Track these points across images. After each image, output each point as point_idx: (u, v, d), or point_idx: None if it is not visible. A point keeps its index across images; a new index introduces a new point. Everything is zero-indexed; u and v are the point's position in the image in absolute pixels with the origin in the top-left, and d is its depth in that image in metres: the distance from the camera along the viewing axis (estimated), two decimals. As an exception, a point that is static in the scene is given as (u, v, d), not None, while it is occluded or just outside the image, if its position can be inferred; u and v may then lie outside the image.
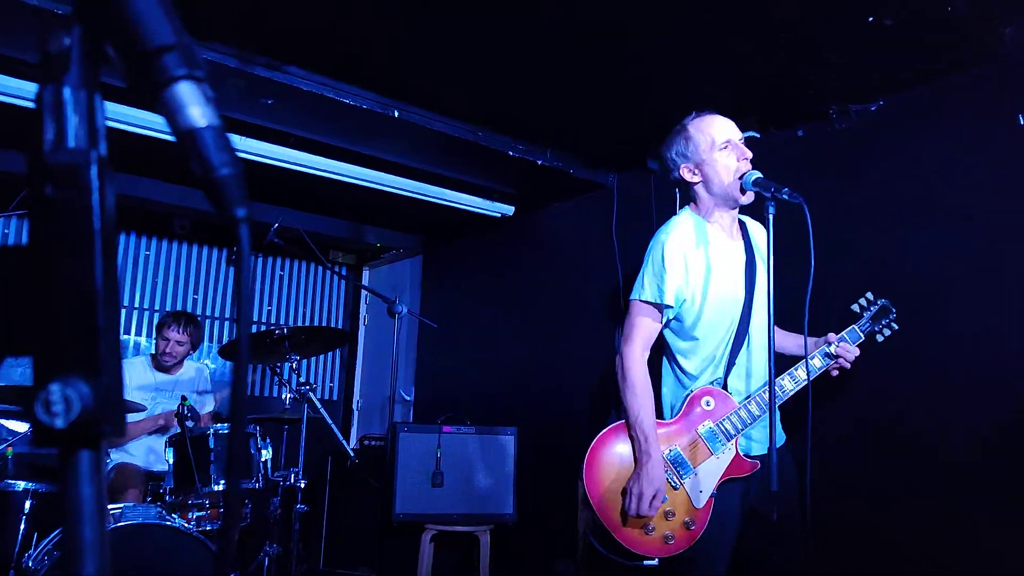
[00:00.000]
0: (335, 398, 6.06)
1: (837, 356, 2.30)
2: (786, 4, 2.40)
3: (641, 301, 2.21)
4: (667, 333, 2.28)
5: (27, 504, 2.74)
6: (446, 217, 4.90)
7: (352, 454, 3.31)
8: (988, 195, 2.64)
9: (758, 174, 2.16)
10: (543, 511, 3.91)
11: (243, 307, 0.54)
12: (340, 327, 6.13)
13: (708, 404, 2.14)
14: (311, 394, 3.15)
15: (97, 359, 0.50)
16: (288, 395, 3.32)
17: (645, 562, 2.06)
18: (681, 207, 2.39)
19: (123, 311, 5.17)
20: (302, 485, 3.04)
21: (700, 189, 2.29)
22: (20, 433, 3.02)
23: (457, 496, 3.75)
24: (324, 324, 6.00)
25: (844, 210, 2.96)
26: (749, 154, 2.23)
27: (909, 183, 2.85)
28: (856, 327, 2.36)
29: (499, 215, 4.67)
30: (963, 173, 2.72)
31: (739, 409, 2.13)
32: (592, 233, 4.07)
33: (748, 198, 2.22)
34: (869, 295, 2.43)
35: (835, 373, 2.35)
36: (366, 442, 4.62)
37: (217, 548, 2.49)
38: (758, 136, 2.51)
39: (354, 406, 5.99)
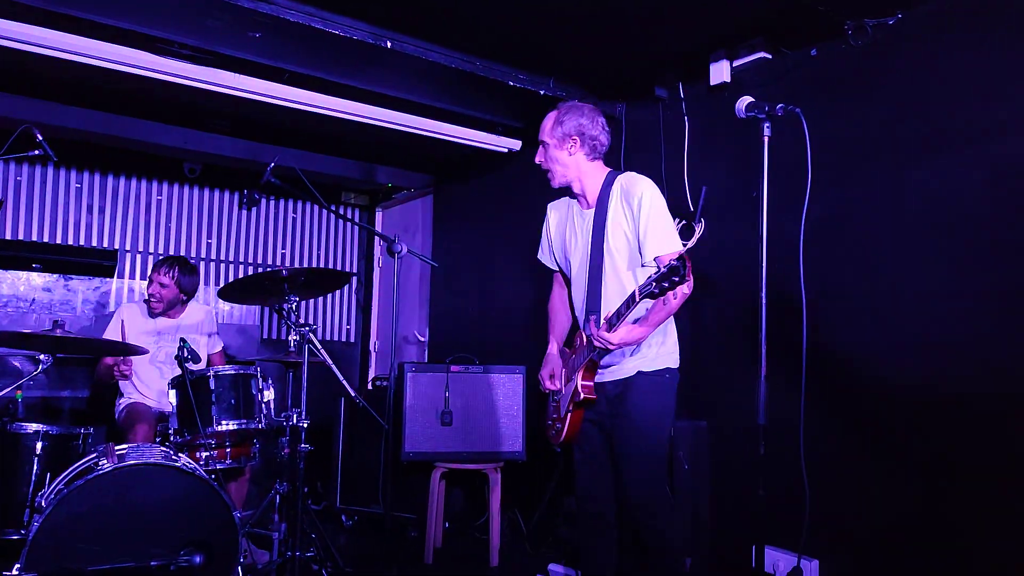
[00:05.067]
0: (352, 340, 6.09)
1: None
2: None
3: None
4: None
5: (39, 445, 2.79)
6: (454, 154, 4.77)
7: (354, 395, 3.31)
8: (1012, 115, 2.44)
9: (750, 99, 2.13)
10: (554, 449, 3.89)
11: None
12: (354, 269, 6.11)
13: (581, 340, 2.54)
14: (311, 335, 3.13)
15: None
16: (293, 338, 3.30)
17: (556, 448, 2.69)
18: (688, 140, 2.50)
19: (134, 256, 5.22)
20: (304, 425, 3.04)
21: None
22: (28, 376, 3.06)
23: (467, 434, 3.77)
24: (339, 267, 5.99)
25: (860, 135, 2.78)
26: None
27: (929, 105, 2.66)
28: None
29: (506, 150, 4.53)
30: (990, 90, 2.51)
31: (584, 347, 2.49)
32: (600, 167, 3.91)
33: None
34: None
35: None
36: (378, 383, 4.64)
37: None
38: None
39: (371, 347, 6.01)
